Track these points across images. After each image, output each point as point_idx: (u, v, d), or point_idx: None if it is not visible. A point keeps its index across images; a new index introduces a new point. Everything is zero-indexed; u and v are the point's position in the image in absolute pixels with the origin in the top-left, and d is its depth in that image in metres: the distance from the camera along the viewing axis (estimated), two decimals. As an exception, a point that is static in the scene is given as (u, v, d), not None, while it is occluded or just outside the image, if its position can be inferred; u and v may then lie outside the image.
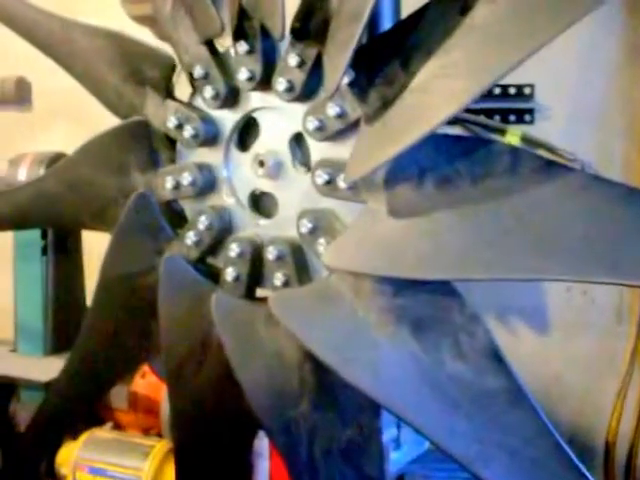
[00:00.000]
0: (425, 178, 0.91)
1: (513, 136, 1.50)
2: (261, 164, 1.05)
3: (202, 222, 1.09)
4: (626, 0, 1.50)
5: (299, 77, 0.99)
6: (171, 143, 1.14)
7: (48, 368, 1.46)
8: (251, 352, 1.04)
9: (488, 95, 1.55)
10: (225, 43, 1.07)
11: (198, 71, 1.07)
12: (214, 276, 1.10)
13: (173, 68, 1.11)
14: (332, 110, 0.96)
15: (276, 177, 1.06)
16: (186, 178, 1.10)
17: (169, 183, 1.11)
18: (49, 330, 1.61)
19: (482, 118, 1.54)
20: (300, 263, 1.02)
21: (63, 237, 1.59)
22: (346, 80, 0.95)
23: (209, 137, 1.09)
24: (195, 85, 1.09)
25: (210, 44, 1.07)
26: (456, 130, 1.50)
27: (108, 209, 1.18)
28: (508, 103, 1.56)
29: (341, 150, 0.97)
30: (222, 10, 1.04)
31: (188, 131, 1.09)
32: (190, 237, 1.10)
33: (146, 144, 1.14)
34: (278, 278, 1.04)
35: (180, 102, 1.11)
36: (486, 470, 0.87)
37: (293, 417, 1.01)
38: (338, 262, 0.96)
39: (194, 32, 1.07)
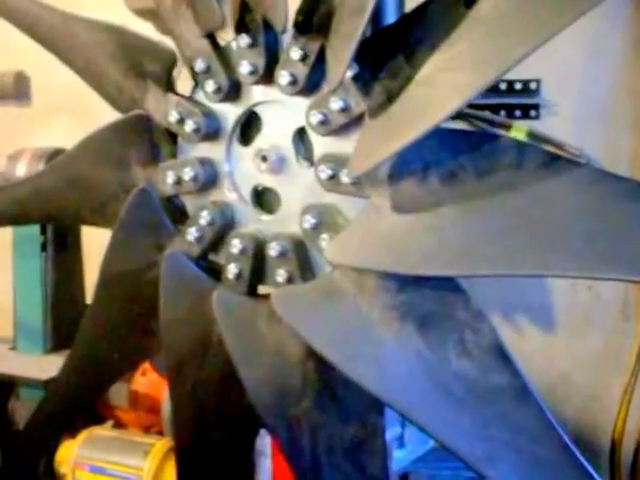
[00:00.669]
0: (429, 173, 0.91)
1: (519, 131, 1.49)
2: (264, 159, 1.06)
3: (204, 218, 1.09)
4: (633, -6, 1.50)
5: (302, 71, 0.99)
6: (172, 138, 1.14)
7: (47, 366, 1.47)
8: (253, 349, 1.04)
9: (494, 90, 1.56)
10: (227, 37, 1.07)
11: (199, 65, 1.07)
12: (216, 273, 1.10)
13: (174, 62, 1.11)
14: (336, 104, 0.96)
15: (279, 172, 1.06)
16: (187, 173, 1.10)
17: (170, 178, 1.11)
18: (49, 328, 1.61)
19: (488, 113, 1.54)
20: (303, 259, 1.02)
21: (62, 233, 1.59)
22: (350, 74, 0.95)
23: (211, 131, 1.09)
24: (197, 79, 1.09)
25: (211, 37, 1.07)
26: (461, 125, 1.50)
27: (108, 204, 1.18)
28: (514, 98, 1.56)
29: (345, 145, 0.97)
30: (224, 3, 1.04)
31: (189, 125, 1.09)
32: (191, 233, 1.10)
33: (147, 139, 1.14)
34: (281, 275, 1.04)
35: (181, 96, 1.11)
36: (491, 469, 0.87)
37: (295, 415, 1.02)
38: (341, 258, 0.96)
39: (195, 25, 1.07)
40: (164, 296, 1.10)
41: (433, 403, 0.90)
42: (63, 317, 1.60)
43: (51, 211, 1.28)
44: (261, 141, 1.07)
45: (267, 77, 1.03)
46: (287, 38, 1.01)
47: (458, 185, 0.90)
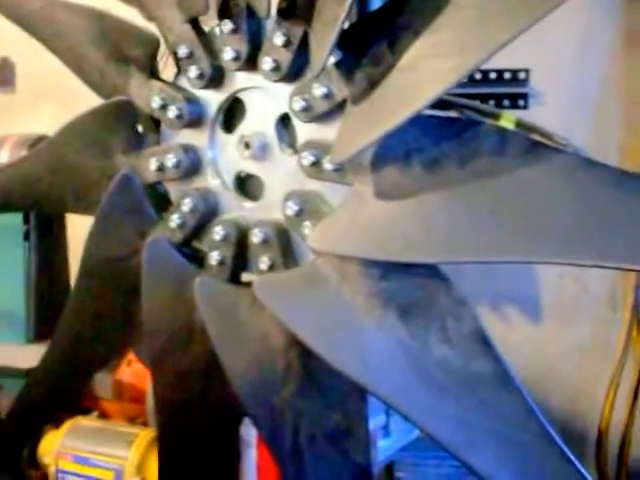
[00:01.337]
0: (412, 159, 0.92)
1: (508, 121, 1.51)
2: (247, 146, 1.07)
3: (186, 204, 1.10)
4: (624, -15, 1.52)
5: (285, 57, 1.00)
6: (155, 124, 1.15)
7: (30, 356, 1.47)
8: (236, 337, 1.05)
9: (483, 80, 1.57)
10: (210, 22, 1.08)
11: (182, 50, 1.08)
12: (199, 260, 1.11)
13: (157, 47, 1.12)
14: (318, 90, 0.97)
15: (262, 159, 1.07)
16: (170, 160, 1.11)
17: (153, 165, 1.12)
18: (31, 317, 1.62)
19: (476, 103, 1.56)
20: (286, 246, 1.04)
21: (46, 221, 1.60)
22: (333, 60, 0.96)
23: (194, 118, 1.10)
24: (180, 65, 1.10)
25: (195, 23, 1.08)
26: (451, 114, 1.51)
27: (91, 191, 1.19)
28: (503, 88, 1.58)
29: (328, 131, 0.99)
30: (207, -12, 1.05)
31: (172, 111, 1.10)
32: (174, 220, 1.11)
33: (129, 125, 1.15)
34: (263, 262, 1.05)
35: (164, 82, 1.12)
36: (472, 456, 0.88)
37: (278, 403, 1.03)
38: (324, 245, 0.97)
39: (178, 11, 1.08)
40: (146, 283, 1.11)
41: (415, 390, 0.91)
42: (46, 307, 1.61)
43: (34, 198, 1.29)
44: (244, 128, 1.08)
45: (250, 63, 1.04)
46: (270, 24, 1.01)
47: (441, 172, 0.91)
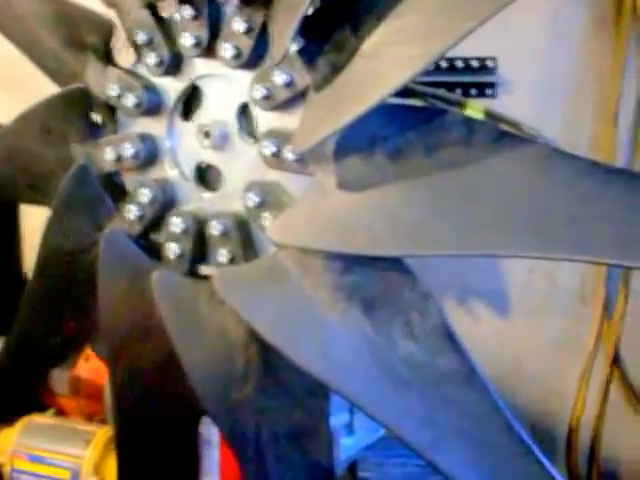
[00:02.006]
0: (376, 149, 0.90)
1: (475, 110, 1.49)
2: (206, 135, 1.04)
3: (144, 195, 1.07)
4: (592, -31, 1.50)
5: (246, 43, 0.97)
6: (112, 112, 1.12)
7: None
8: (194, 332, 1.03)
9: (450, 68, 1.55)
10: (170, 9, 1.05)
11: (141, 37, 1.05)
12: (156, 252, 1.09)
13: (112, 33, 1.09)
14: (280, 78, 0.95)
15: (222, 148, 1.04)
16: (127, 149, 1.08)
17: (109, 154, 1.10)
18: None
19: (442, 91, 1.54)
20: (246, 239, 1.01)
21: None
22: (295, 47, 0.94)
23: (152, 106, 1.08)
24: (138, 52, 1.08)
25: (153, 9, 1.05)
26: (416, 103, 1.49)
27: (47, 182, 1.16)
28: (470, 76, 1.56)
29: (289, 120, 0.97)
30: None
31: (130, 100, 1.07)
32: (132, 211, 1.08)
33: (85, 113, 1.12)
34: (223, 255, 1.03)
35: (122, 69, 1.09)
36: (438, 454, 0.87)
37: (238, 400, 1.01)
38: (284, 237, 0.95)
39: (135, -5, 1.05)
40: (102, 276, 1.08)
41: (379, 387, 0.90)
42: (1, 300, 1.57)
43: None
44: (204, 116, 1.06)
45: (210, 50, 1.01)
46: (230, 10, 0.99)
47: (406, 162, 0.89)
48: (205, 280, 1.04)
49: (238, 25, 0.97)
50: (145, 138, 1.08)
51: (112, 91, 1.08)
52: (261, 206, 0.99)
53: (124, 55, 1.11)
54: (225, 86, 1.03)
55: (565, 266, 1.47)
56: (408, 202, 0.88)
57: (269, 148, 0.97)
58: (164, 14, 1.06)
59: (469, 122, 0.87)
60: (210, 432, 1.18)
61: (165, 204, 1.08)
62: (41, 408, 1.47)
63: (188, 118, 1.08)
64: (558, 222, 0.79)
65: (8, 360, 1.29)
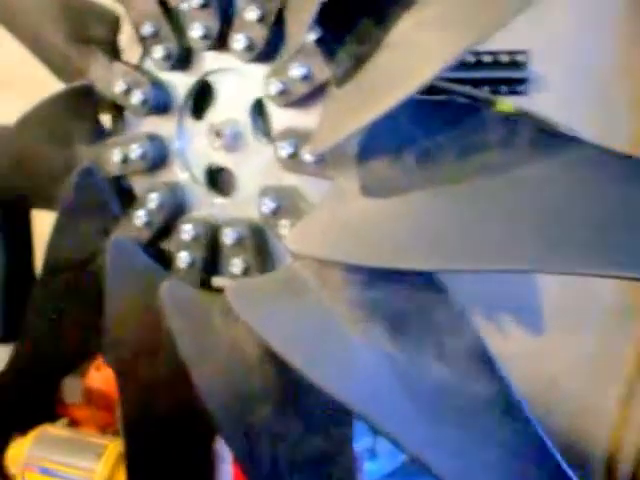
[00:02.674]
0: (404, 151, 0.78)
1: (504, 108, 1.35)
2: (217, 135, 0.92)
3: (152, 200, 0.95)
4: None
5: (259, 34, 0.85)
6: (120, 111, 1.00)
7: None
8: (206, 348, 0.91)
9: (477, 63, 1.41)
10: (178, -2, 0.93)
11: (147, 29, 0.93)
12: (166, 261, 0.97)
13: (117, 26, 0.97)
14: (296, 71, 0.82)
15: (235, 150, 0.92)
16: (135, 150, 0.96)
17: (116, 156, 0.97)
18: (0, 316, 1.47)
19: (468, 88, 1.40)
20: (261, 248, 0.89)
21: (10, 218, 1.44)
22: (312, 37, 0.81)
23: (160, 104, 0.95)
24: (144, 45, 0.95)
25: (160, -2, 0.93)
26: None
27: (55, 186, 1.04)
28: (499, 72, 1.42)
29: (307, 118, 0.84)
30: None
31: (137, 97, 0.95)
32: (140, 217, 0.96)
33: (91, 112, 1.00)
34: (236, 265, 0.90)
35: (129, 65, 0.97)
36: (470, 488, 0.74)
37: (253, 422, 0.89)
38: (302, 247, 0.82)
39: (141, -17, 0.93)
40: (109, 287, 0.97)
41: (405, 413, 0.77)
42: (12, 308, 1.45)
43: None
44: (215, 114, 0.94)
45: (221, 42, 0.89)
46: (243, -3, 0.86)
47: (437, 165, 0.76)
48: (218, 292, 0.91)
49: (250, 13, 0.84)
50: (153, 138, 0.96)
51: (118, 88, 0.96)
52: (277, 213, 0.86)
53: (132, 51, 0.98)
54: (238, 81, 0.91)
55: (604, 280, 1.32)
56: (438, 211, 0.75)
57: (285, 149, 0.84)
58: (172, 3, 0.93)
59: (508, 121, 0.74)
60: (223, 447, 1.06)
61: (175, 210, 0.96)
62: (53, 418, 1.35)
63: (200, 117, 0.95)
64: (612, 234, 0.66)
65: (17, 368, 1.17)
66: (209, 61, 0.92)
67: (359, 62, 0.77)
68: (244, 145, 0.91)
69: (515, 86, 1.42)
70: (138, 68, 0.96)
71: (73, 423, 1.36)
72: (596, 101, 1.35)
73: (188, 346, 0.90)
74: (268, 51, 0.85)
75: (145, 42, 0.94)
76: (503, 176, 0.73)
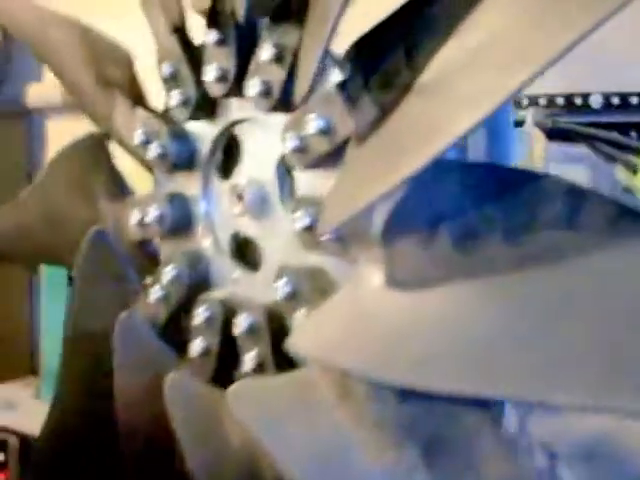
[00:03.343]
0: (441, 229, 0.56)
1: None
2: (240, 198, 0.72)
3: (168, 272, 0.76)
4: None
5: (277, 76, 0.65)
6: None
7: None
8: (214, 452, 0.71)
9: (622, 105, 1.16)
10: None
11: (165, 69, 0.75)
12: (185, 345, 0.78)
13: (131, 66, 0.79)
14: (314, 123, 0.62)
15: (259, 216, 0.72)
16: (152, 212, 0.77)
17: (134, 217, 0.79)
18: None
19: (614, 134, 1.14)
20: (279, 339, 0.68)
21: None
22: (335, 79, 0.61)
23: (183, 158, 0.77)
24: (165, 88, 0.77)
25: (181, 33, 0.75)
26: (579, 149, 1.11)
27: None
28: (628, 116, 1.16)
29: (329, 183, 0.63)
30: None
31: (154, 149, 0.76)
32: (155, 292, 0.77)
33: (108, 165, 0.83)
34: (250, 359, 0.70)
35: (151, 111, 0.79)
36: None
37: None
38: (311, 350, 0.61)
39: (162, 17, 0.75)
40: (118, 372, 0.79)
41: None
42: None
43: (31, 251, 0.99)
44: (239, 174, 0.74)
45: (239, 87, 0.69)
46: (262, 31, 0.67)
47: (482, 249, 0.54)
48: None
49: (266, 51, 0.64)
50: (174, 198, 0.78)
51: (137, 138, 0.78)
52: (293, 299, 0.66)
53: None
54: (263, 135, 0.71)
55: None
56: (483, 312, 0.53)
57: (302, 220, 0.63)
58: (198, 41, 0.74)
59: (575, 192, 0.51)
60: None
61: (194, 284, 0.76)
62: None
63: (228, 175, 0.76)
64: None
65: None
66: (234, 109, 0.73)
67: (385, 111, 0.56)
68: (270, 211, 0.71)
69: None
70: (162, 116, 0.78)
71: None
72: None
73: (194, 448, 0.71)
74: (289, 98, 0.65)
75: (165, 85, 0.76)
76: (564, 269, 0.50)
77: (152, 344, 0.78)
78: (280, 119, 0.67)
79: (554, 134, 1.00)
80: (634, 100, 1.18)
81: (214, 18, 0.70)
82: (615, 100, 1.16)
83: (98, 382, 0.86)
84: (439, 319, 0.55)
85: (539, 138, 1.00)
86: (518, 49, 0.48)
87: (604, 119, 1.18)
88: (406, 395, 0.59)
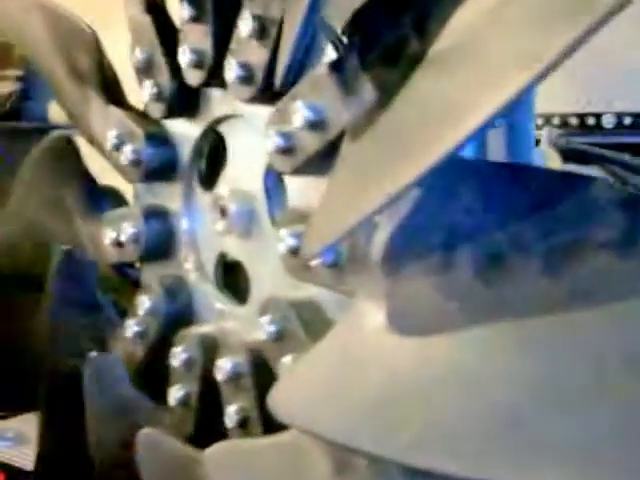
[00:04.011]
0: (459, 252, 0.41)
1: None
2: (222, 212, 0.58)
3: (144, 303, 0.62)
4: None
5: (259, 56, 0.50)
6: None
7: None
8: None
9: (635, 125, 1.04)
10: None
11: (136, 55, 0.61)
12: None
13: (99, 51, 0.66)
14: (300, 114, 0.47)
15: (246, 235, 0.58)
16: (126, 230, 0.64)
17: (108, 236, 0.66)
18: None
19: (627, 157, 0.98)
20: (265, 389, 0.53)
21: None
22: (327, 60, 0.46)
23: (160, 165, 0.63)
24: (138, 79, 0.63)
25: (157, 11, 0.61)
26: (590, 171, 0.95)
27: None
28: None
29: (319, 193, 0.48)
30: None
31: (127, 154, 0.63)
32: (131, 326, 0.64)
33: (78, 175, 0.69)
34: (232, 413, 0.55)
35: (127, 109, 0.65)
36: None
37: None
38: (289, 411, 0.46)
39: (136, -8, 0.61)
40: (89, 423, 0.65)
41: None
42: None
43: (20, 272, 0.85)
44: (224, 183, 0.60)
45: (219, 73, 0.55)
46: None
47: (512, 280, 0.40)
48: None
49: (245, 26, 0.50)
50: (152, 214, 0.64)
51: (109, 142, 0.64)
52: (279, 340, 0.51)
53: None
54: (249, 134, 0.56)
55: None
56: (506, 369, 0.39)
57: (286, 241, 0.49)
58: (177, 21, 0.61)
59: (631, 203, 0.35)
60: None
61: (174, 317, 0.62)
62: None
63: (212, 185, 0.62)
64: None
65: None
66: (217, 103, 0.59)
67: (387, 94, 0.42)
68: (257, 229, 0.57)
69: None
70: (139, 114, 0.64)
71: None
72: None
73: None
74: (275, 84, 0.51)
75: (137, 75, 0.62)
76: (628, 310, 0.35)
77: (126, 390, 0.64)
78: (264, 113, 0.53)
79: (569, 155, 0.90)
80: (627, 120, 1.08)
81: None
82: (627, 120, 1.06)
83: (77, 429, 0.73)
84: (454, 374, 0.40)
85: (554, 159, 0.88)
86: (551, 12, 0.34)
87: (617, 139, 1.07)
88: (417, 472, 0.44)
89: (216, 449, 0.54)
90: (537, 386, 0.37)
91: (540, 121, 1.10)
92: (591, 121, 1.14)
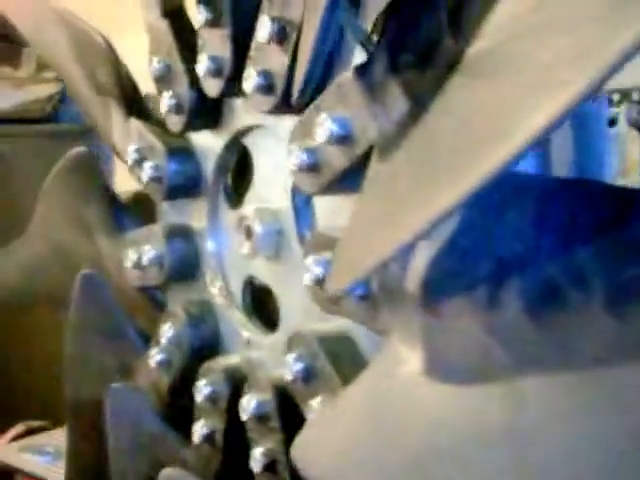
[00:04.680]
0: (507, 286, 0.35)
1: None
2: (248, 233, 0.52)
3: (167, 331, 0.57)
4: None
5: (280, 63, 0.44)
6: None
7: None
8: None
9: None
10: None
11: (155, 65, 0.55)
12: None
13: (117, 65, 0.61)
14: (325, 128, 0.41)
15: (273, 257, 0.52)
16: (148, 252, 0.58)
17: (130, 259, 0.60)
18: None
19: None
20: (295, 430, 0.47)
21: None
22: (354, 64, 0.40)
23: (183, 181, 0.57)
24: (158, 91, 0.58)
25: (176, 16, 0.55)
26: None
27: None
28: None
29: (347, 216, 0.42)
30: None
31: (148, 171, 0.57)
32: (154, 354, 0.58)
33: (101, 192, 0.64)
34: (259, 456, 0.49)
35: (150, 122, 0.60)
36: None
37: None
38: (313, 466, 0.40)
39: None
40: (112, 457, 0.60)
41: None
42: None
43: (43, 294, 0.81)
44: (250, 201, 0.54)
45: (239, 81, 0.49)
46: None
47: (569, 319, 0.33)
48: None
49: (264, 31, 0.44)
50: (175, 234, 0.58)
51: (130, 157, 0.59)
52: (307, 380, 0.45)
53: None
54: (276, 147, 0.50)
55: None
56: (559, 423, 0.33)
57: (312, 271, 0.42)
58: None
59: None
60: None
61: (199, 345, 0.57)
62: None
63: (240, 201, 0.56)
64: None
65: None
66: (240, 113, 0.53)
67: (420, 102, 0.35)
68: (286, 251, 0.51)
69: None
70: (160, 127, 0.59)
71: None
72: None
73: None
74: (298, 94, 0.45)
75: (156, 85, 0.57)
76: None
77: (149, 423, 0.59)
78: (292, 123, 0.47)
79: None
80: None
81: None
82: None
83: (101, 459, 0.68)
84: (498, 428, 0.34)
85: (634, 139, 0.80)
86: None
87: None
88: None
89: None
90: (598, 446, 0.31)
91: (617, 97, 0.97)
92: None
